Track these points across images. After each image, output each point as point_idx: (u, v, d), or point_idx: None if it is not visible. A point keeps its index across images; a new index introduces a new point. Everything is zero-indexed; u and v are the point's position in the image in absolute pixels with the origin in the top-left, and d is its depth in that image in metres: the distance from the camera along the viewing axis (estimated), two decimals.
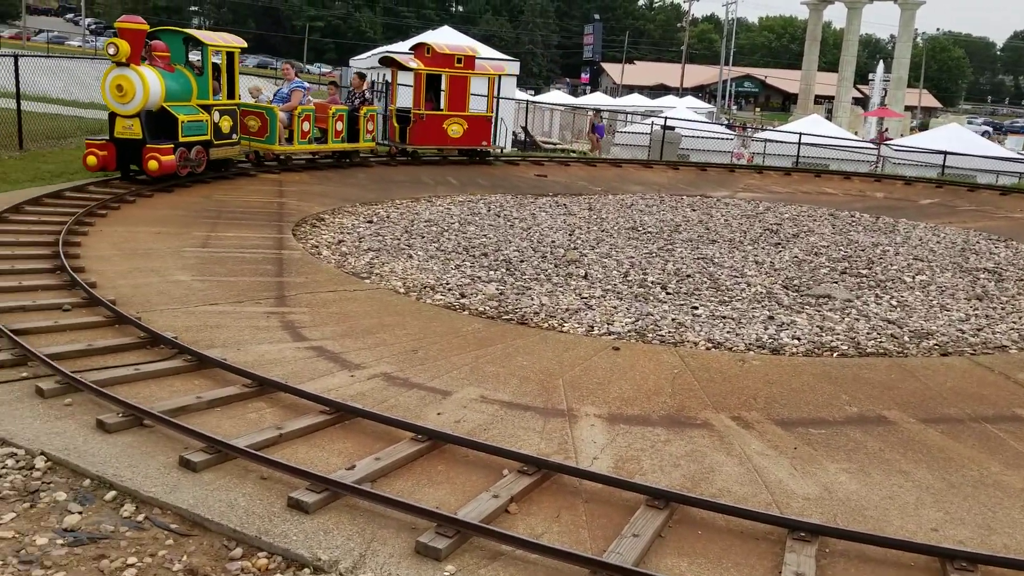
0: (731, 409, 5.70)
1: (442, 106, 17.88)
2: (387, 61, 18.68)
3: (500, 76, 28.54)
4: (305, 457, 4.58)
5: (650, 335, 7.43)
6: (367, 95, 16.90)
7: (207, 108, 13.02)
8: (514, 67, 29.58)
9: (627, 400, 5.78)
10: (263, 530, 3.88)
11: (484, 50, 30.75)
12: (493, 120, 19.01)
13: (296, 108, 14.66)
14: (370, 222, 11.88)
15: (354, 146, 16.35)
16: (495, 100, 19.36)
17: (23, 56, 16.87)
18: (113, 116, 12.13)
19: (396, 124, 17.67)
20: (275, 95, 15.33)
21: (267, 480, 4.30)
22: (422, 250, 10.28)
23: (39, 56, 23.47)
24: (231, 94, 13.78)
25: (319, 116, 15.38)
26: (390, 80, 19.61)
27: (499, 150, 20.51)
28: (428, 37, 32.57)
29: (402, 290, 8.47)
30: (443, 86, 17.88)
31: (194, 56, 13.52)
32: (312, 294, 7.86)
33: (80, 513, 4.02)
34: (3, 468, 4.35)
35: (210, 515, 3.98)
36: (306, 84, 15.52)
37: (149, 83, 11.87)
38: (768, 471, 4.78)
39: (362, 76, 17.63)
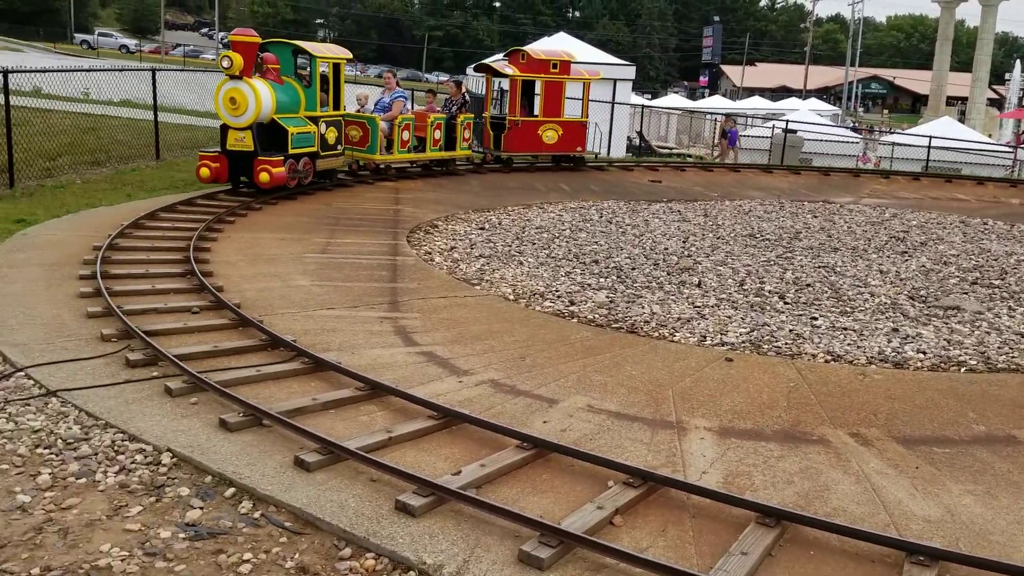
0: (849, 425, 5.49)
1: (537, 112, 17.73)
2: (482, 68, 18.61)
3: (616, 81, 28.46)
4: (413, 461, 4.67)
5: (766, 346, 7.24)
6: (466, 99, 16.90)
7: (314, 119, 13.09)
8: (629, 72, 29.38)
9: (739, 413, 5.65)
10: (371, 531, 3.97)
11: (599, 55, 30.70)
12: (587, 125, 18.79)
13: (397, 118, 14.64)
14: (482, 229, 12.02)
15: (451, 154, 16.23)
16: (589, 105, 18.97)
17: (160, 70, 17.84)
18: (225, 128, 12.24)
19: (491, 131, 17.59)
20: (376, 104, 15.31)
21: (376, 482, 4.40)
22: (532, 257, 10.33)
23: (175, 69, 24.76)
24: (336, 105, 13.80)
25: (417, 124, 15.34)
26: (503, 88, 19.54)
27: (594, 155, 20.08)
28: (542, 43, 32.76)
29: (511, 297, 8.52)
30: (538, 92, 17.72)
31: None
32: (424, 300, 8.01)
33: (201, 508, 4.21)
34: (132, 463, 4.60)
35: (322, 515, 4.11)
36: (406, 94, 15.48)
37: (261, 96, 11.97)
38: (887, 491, 4.58)
39: (459, 83, 17.51)
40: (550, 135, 17.75)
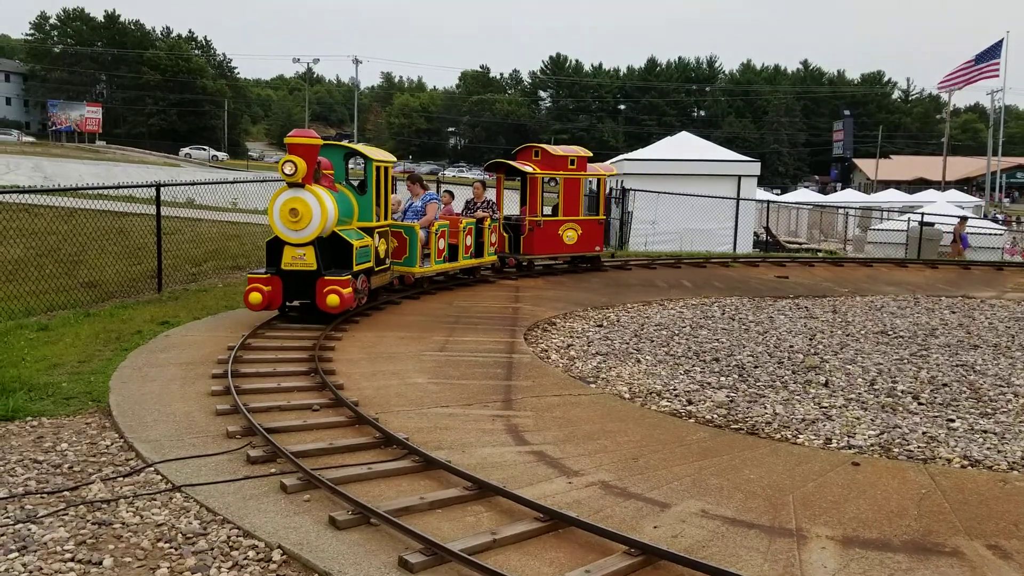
0: (987, 536, 5.07)
1: (555, 211, 16.67)
2: (495, 166, 17.13)
3: (740, 177, 28.28)
4: (516, 564, 4.58)
5: (896, 450, 6.84)
6: (491, 203, 15.57)
7: (368, 230, 11.69)
8: (754, 167, 29.20)
9: (865, 522, 5.31)
10: None
11: (722, 152, 30.70)
12: (605, 224, 17.82)
13: (434, 224, 13.33)
14: (600, 326, 11.99)
15: (479, 261, 14.88)
16: (607, 203, 18.18)
17: None
18: (278, 244, 10.73)
19: (504, 233, 16.13)
20: (406, 211, 13.79)
21: None
22: (651, 354, 10.19)
23: None
24: (386, 214, 12.37)
25: (450, 231, 13.98)
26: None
27: (610, 254, 18.86)
28: (664, 143, 33.10)
29: (627, 395, 8.40)
30: (557, 190, 16.73)
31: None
32: (537, 398, 7.99)
33: None
34: (245, 559, 4.70)
35: None
36: (437, 195, 14.28)
37: (327, 206, 10.56)
38: None
39: (484, 184, 16.33)
40: (570, 235, 16.68)
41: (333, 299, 10.37)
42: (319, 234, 10.59)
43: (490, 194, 15.87)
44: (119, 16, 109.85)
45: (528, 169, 16.14)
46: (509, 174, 16.80)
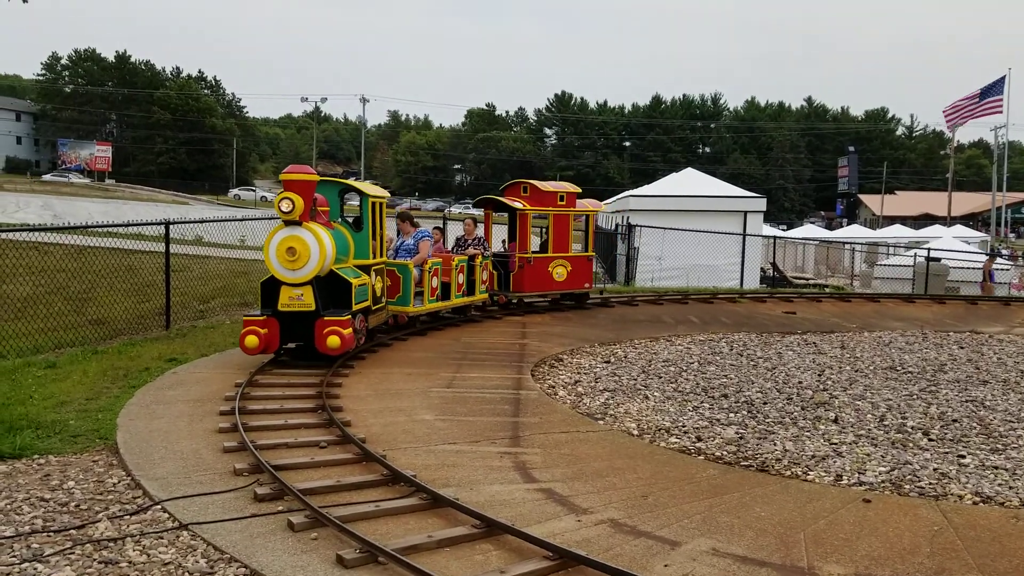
0: (1000, 574, 5.01)
1: (545, 247, 16.32)
2: (484, 202, 16.82)
3: (746, 213, 28.37)
4: None
5: (907, 486, 6.79)
6: (482, 240, 15.40)
7: (365, 268, 11.45)
8: (760, 203, 29.31)
9: (877, 559, 5.26)
10: None
11: (728, 188, 30.85)
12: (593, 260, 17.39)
13: (427, 261, 13.01)
14: (607, 362, 11.96)
15: (470, 299, 14.56)
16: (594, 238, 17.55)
17: None
18: (274, 284, 10.41)
19: (493, 270, 15.65)
20: (398, 249, 13.52)
21: None
22: (659, 391, 10.16)
23: None
24: (382, 251, 12.18)
25: (443, 268, 13.70)
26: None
27: (599, 291, 18.51)
28: (670, 179, 33.28)
29: (636, 432, 8.36)
30: (547, 226, 16.20)
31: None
32: (545, 435, 7.96)
33: None
34: None
35: None
36: (429, 231, 13.96)
37: (325, 244, 10.28)
38: None
39: (476, 220, 16.03)
40: (560, 272, 16.25)
41: (334, 340, 10.06)
42: (317, 273, 10.33)
43: (480, 230, 15.82)
44: (130, 56, 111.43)
45: (517, 205, 15.88)
46: (498, 210, 16.64)
